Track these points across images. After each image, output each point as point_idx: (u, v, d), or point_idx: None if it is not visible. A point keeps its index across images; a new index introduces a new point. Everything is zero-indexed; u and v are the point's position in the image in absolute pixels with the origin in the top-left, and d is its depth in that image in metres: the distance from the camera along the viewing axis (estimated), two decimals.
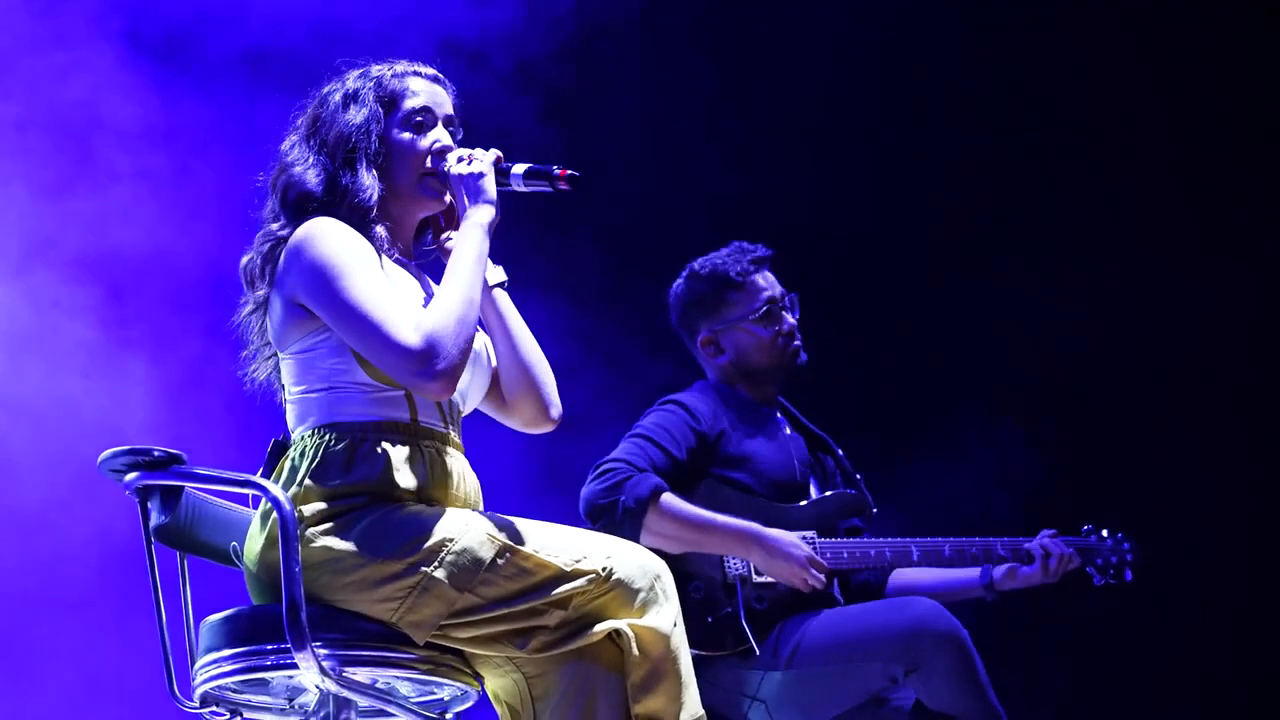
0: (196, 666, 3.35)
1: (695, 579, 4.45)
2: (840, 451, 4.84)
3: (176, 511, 3.46)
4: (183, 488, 3.40)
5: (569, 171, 3.44)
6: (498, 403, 3.57)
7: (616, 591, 3.22)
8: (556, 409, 3.55)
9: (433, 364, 3.23)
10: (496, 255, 3.50)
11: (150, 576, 3.45)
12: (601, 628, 3.20)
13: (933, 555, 4.61)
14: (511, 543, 3.23)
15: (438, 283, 3.48)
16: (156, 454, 3.33)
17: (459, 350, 3.26)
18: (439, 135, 3.52)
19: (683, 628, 3.27)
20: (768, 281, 4.80)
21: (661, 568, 3.29)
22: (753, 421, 4.71)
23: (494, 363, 3.55)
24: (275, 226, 3.44)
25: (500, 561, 3.21)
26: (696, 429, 4.61)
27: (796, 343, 4.79)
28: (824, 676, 4.38)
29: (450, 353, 3.25)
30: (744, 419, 4.70)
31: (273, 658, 3.23)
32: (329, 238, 3.33)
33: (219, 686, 3.34)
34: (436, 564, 3.20)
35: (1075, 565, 4.71)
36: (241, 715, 3.45)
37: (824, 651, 4.38)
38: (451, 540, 3.22)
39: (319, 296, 3.30)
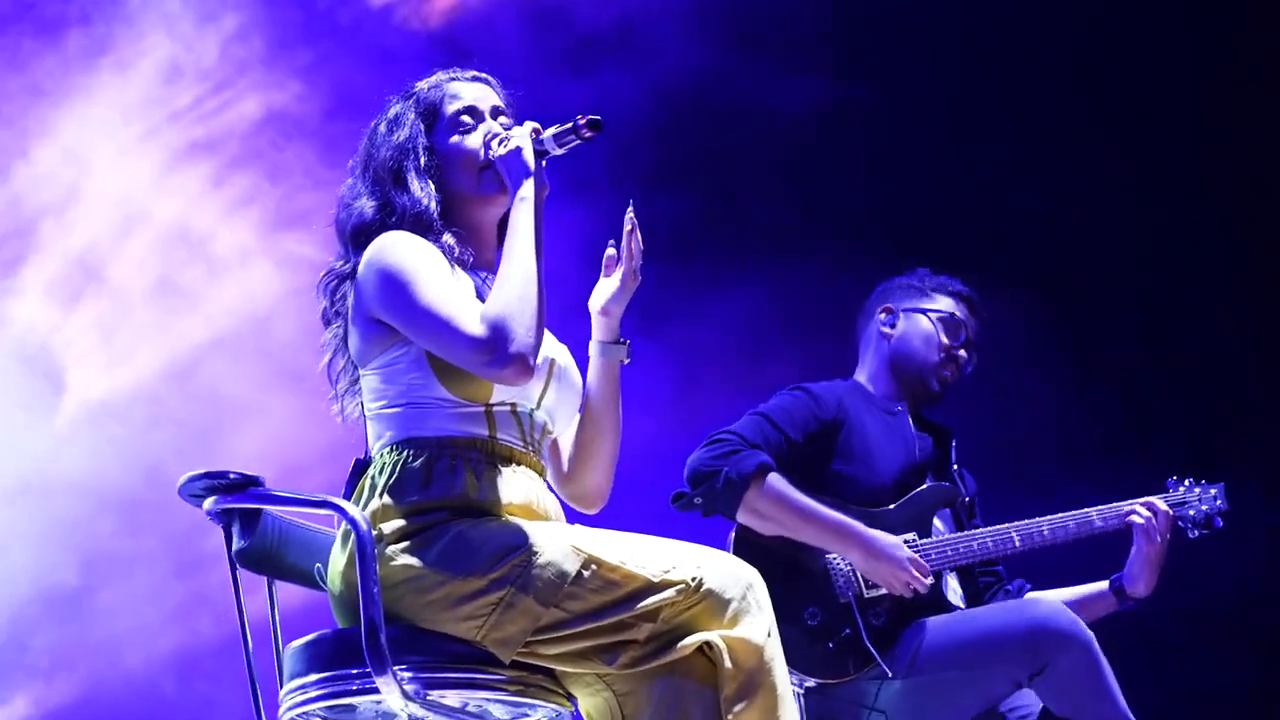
0: (282, 693, 3.27)
1: (808, 605, 4.32)
2: (954, 441, 4.69)
3: (263, 535, 3.40)
4: (261, 511, 3.32)
5: (588, 118, 3.34)
6: (556, 467, 3.51)
7: (707, 602, 3.09)
8: (606, 496, 3.51)
9: (502, 348, 3.14)
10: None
11: (235, 601, 3.38)
12: (692, 640, 3.07)
13: (1032, 537, 4.47)
14: (597, 554, 3.12)
15: None
16: (233, 477, 3.25)
17: (526, 330, 3.17)
18: (488, 128, 3.46)
19: (778, 638, 3.13)
20: (965, 316, 4.71)
21: (754, 577, 3.16)
22: (879, 418, 4.59)
23: (580, 388, 3.47)
24: (338, 265, 3.41)
25: (586, 574, 3.10)
26: (818, 416, 4.50)
27: (951, 371, 4.67)
28: (945, 683, 4.24)
29: (518, 333, 3.16)
30: (870, 414, 4.58)
31: (357, 682, 3.14)
32: (395, 247, 3.28)
33: (305, 714, 3.26)
34: (520, 579, 3.10)
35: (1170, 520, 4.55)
36: None
37: (944, 657, 4.24)
38: (535, 554, 3.11)
39: (391, 305, 3.24)
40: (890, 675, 4.25)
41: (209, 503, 3.29)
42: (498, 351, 3.14)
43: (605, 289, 3.52)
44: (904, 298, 4.74)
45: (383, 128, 3.48)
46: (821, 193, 6.71)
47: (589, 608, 3.09)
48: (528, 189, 3.32)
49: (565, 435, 3.52)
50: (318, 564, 3.35)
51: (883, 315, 4.73)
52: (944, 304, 4.70)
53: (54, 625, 5.94)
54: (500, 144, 3.38)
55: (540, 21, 6.60)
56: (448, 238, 3.37)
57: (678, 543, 3.20)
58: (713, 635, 3.07)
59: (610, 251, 3.52)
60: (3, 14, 6.10)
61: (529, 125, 3.38)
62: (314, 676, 3.20)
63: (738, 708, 3.05)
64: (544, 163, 3.36)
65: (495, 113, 3.49)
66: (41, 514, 5.87)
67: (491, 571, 3.10)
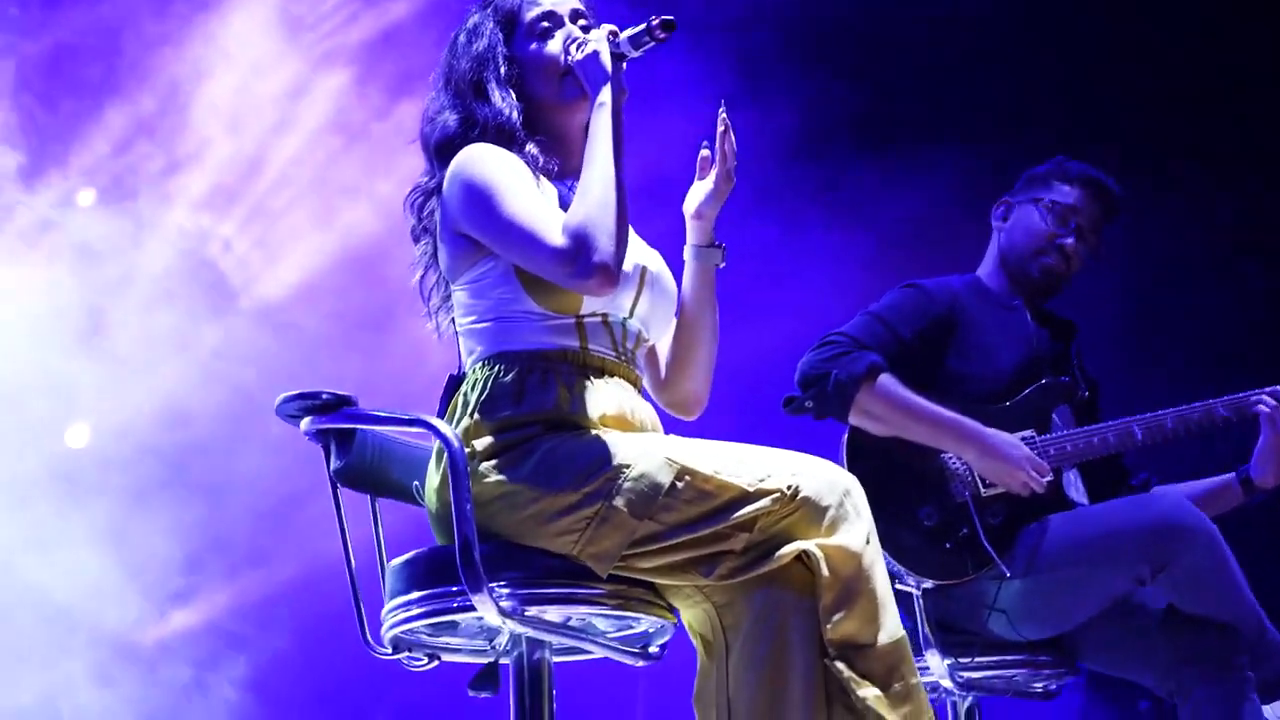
0: (384, 611, 3.27)
1: (924, 505, 4.25)
2: (1076, 335, 4.58)
3: (362, 453, 3.39)
4: (356, 430, 3.31)
5: (661, 19, 3.26)
6: (654, 374, 3.47)
7: (803, 510, 3.04)
8: (704, 402, 3.46)
9: (585, 258, 3.10)
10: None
11: (337, 520, 3.37)
12: (788, 549, 3.03)
13: (1155, 430, 4.33)
14: (691, 465, 3.07)
15: None
16: (325, 397, 3.24)
17: (609, 238, 3.12)
18: (568, 32, 3.40)
19: (877, 544, 3.08)
20: (1083, 204, 4.55)
21: (851, 482, 3.10)
22: (995, 314, 4.48)
23: (674, 294, 3.42)
24: (424, 180, 3.38)
25: (680, 485, 3.06)
26: (930, 312, 4.41)
27: (1055, 260, 4.52)
28: (1065, 582, 4.16)
29: (601, 242, 3.11)
30: (985, 310, 4.48)
31: (457, 600, 3.12)
32: (478, 160, 3.25)
33: (410, 631, 3.26)
34: (614, 492, 3.06)
35: None
36: (439, 659, 3.37)
37: (1063, 556, 4.15)
38: (628, 466, 3.08)
39: (475, 219, 3.21)
40: (1009, 575, 4.17)
41: (305, 423, 3.28)
42: (580, 261, 3.10)
43: (699, 192, 3.47)
44: (1023, 189, 4.61)
45: (462, 38, 3.43)
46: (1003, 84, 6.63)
47: (683, 519, 3.05)
48: (606, 94, 3.26)
49: (662, 342, 3.47)
50: (416, 482, 3.34)
51: (998, 209, 4.61)
52: (1059, 191, 4.55)
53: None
54: (577, 48, 3.33)
55: None
56: (531, 147, 3.32)
57: (774, 450, 3.14)
58: (809, 544, 3.02)
59: (704, 153, 3.46)
60: None
61: (605, 29, 3.32)
62: (415, 594, 3.19)
63: (836, 616, 3.00)
64: (623, 66, 3.30)
65: (574, 16, 3.43)
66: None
67: (584, 485, 3.07)
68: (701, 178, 3.47)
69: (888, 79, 6.77)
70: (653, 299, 3.35)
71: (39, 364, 5.92)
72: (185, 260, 6.26)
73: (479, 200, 3.20)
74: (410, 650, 3.32)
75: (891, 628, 3.04)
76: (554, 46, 3.38)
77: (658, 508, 3.06)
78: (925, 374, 4.32)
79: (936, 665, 4.15)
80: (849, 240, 6.59)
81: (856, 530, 3.05)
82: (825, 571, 3.01)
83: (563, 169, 3.37)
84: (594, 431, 3.17)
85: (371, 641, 3.33)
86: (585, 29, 3.40)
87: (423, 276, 3.42)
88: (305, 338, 6.21)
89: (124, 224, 6.19)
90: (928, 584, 4.18)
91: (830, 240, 6.64)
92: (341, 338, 6.21)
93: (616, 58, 3.30)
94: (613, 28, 3.32)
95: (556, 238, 3.12)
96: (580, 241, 3.11)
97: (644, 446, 3.11)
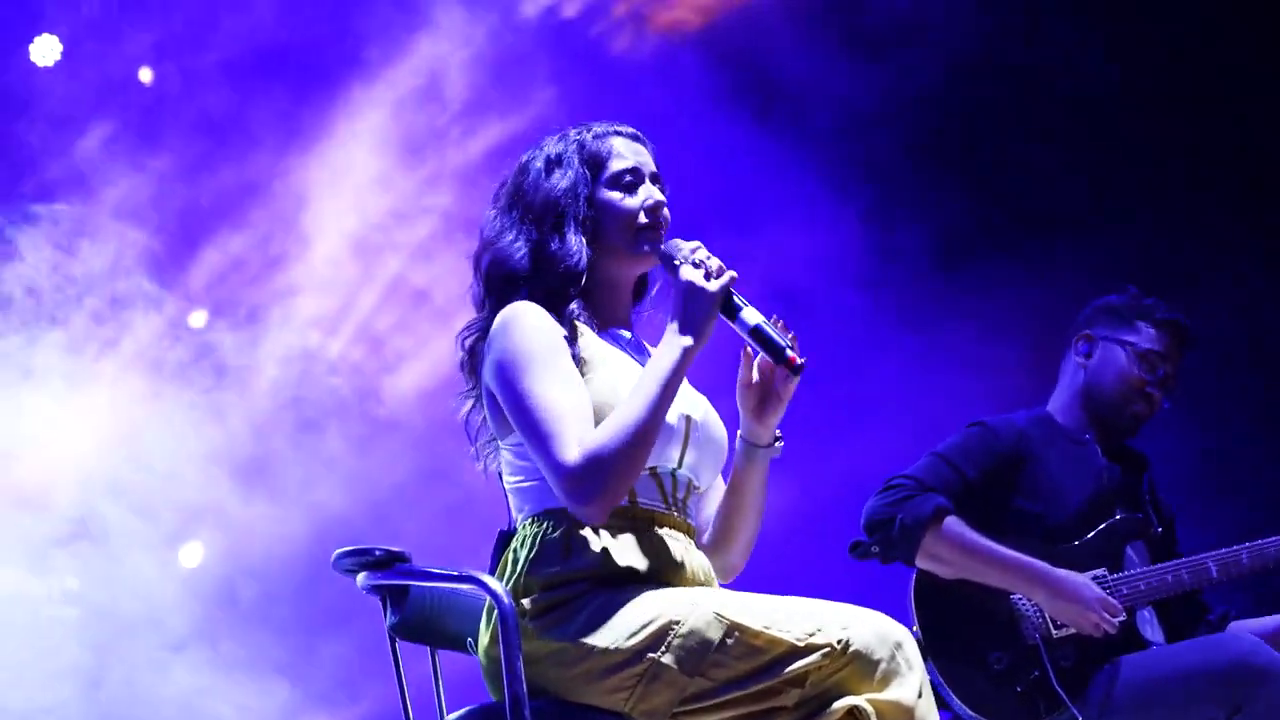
0: None
1: (994, 648, 4.20)
2: (1149, 470, 4.54)
3: (420, 604, 3.40)
4: (408, 586, 3.33)
5: (800, 360, 3.22)
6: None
7: (855, 664, 3.01)
8: (739, 572, 3.43)
9: (590, 487, 3.08)
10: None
11: (395, 674, 3.40)
12: (840, 705, 2.99)
13: (1231, 565, 4.30)
14: (741, 620, 3.05)
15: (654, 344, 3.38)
16: (378, 554, 3.26)
17: (619, 478, 3.09)
18: (649, 192, 3.39)
19: (930, 698, 3.04)
20: (1168, 349, 4.53)
21: (903, 635, 3.07)
22: (1064, 450, 4.45)
23: (724, 440, 3.39)
24: (481, 316, 3.36)
25: (729, 641, 3.04)
26: (996, 451, 4.39)
27: (1143, 408, 4.51)
28: None
29: (608, 481, 3.08)
30: (1054, 446, 4.44)
31: None
32: (518, 326, 3.22)
33: None
34: (664, 649, 3.05)
35: None
36: None
37: (1137, 699, 4.11)
38: (678, 623, 3.06)
39: (501, 391, 3.21)
40: (1081, 719, 4.11)
41: (360, 578, 3.30)
42: (583, 488, 3.08)
43: (762, 397, 3.35)
44: (1105, 325, 4.58)
45: (538, 164, 3.41)
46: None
47: (734, 675, 3.03)
48: (691, 340, 3.19)
49: (708, 505, 3.44)
50: (470, 637, 3.34)
51: (1080, 343, 4.58)
52: (1146, 335, 4.52)
53: None
54: (698, 269, 3.23)
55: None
56: (575, 306, 3.31)
57: (825, 603, 3.12)
58: (860, 700, 2.99)
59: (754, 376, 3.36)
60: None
61: (730, 275, 3.23)
62: None
63: None
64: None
65: (653, 178, 3.43)
66: None
67: (634, 642, 3.06)
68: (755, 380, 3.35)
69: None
70: (700, 449, 3.33)
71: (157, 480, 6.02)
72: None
73: (506, 375, 3.19)
74: None
75: None
76: (634, 200, 3.36)
77: (708, 664, 3.03)
78: (993, 514, 4.30)
79: None
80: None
81: (909, 684, 3.02)
82: None
83: (608, 320, 3.38)
84: (642, 586, 3.15)
85: None
86: (661, 191, 3.40)
87: (469, 413, 3.40)
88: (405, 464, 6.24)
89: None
90: None
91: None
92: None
93: (725, 309, 3.24)
94: (734, 275, 3.23)
95: (570, 451, 3.10)
96: (592, 469, 3.08)
97: (693, 601, 3.09)
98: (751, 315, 3.24)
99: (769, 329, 3.24)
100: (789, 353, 3.22)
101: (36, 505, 5.92)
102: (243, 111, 6.30)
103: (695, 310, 3.20)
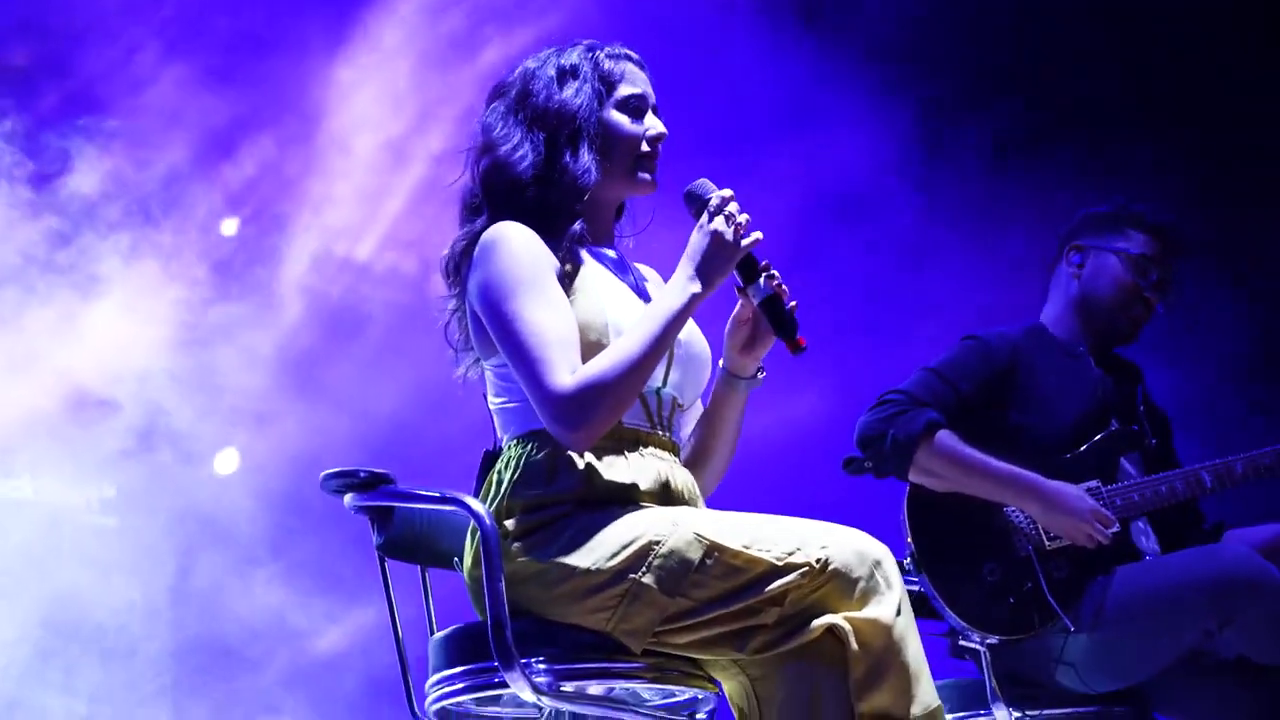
0: (427, 685, 3.30)
1: (987, 560, 4.21)
2: (1142, 381, 4.53)
3: (411, 523, 3.45)
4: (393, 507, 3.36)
5: (804, 341, 3.22)
6: None
7: (834, 583, 3.03)
8: (707, 495, 3.43)
9: (577, 417, 3.10)
10: None
11: (385, 592, 3.44)
12: (819, 623, 3.02)
13: (1225, 476, 4.28)
14: (720, 540, 3.07)
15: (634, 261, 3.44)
16: (362, 475, 3.30)
17: (609, 411, 3.12)
18: (653, 123, 3.40)
19: (909, 615, 3.06)
20: (1160, 253, 4.51)
21: (882, 553, 3.09)
22: (1058, 362, 4.43)
23: (708, 358, 3.40)
24: (478, 222, 3.33)
25: (709, 561, 3.06)
26: (990, 364, 4.37)
27: (1140, 312, 4.49)
28: (1132, 636, 4.11)
29: (598, 412, 3.10)
30: (1048, 359, 4.43)
31: (497, 675, 3.14)
32: (507, 249, 3.22)
33: (456, 703, 3.29)
34: (644, 569, 3.07)
35: None
36: None
37: (1129, 610, 4.10)
38: (658, 543, 3.08)
39: (488, 314, 3.22)
40: (1074, 629, 4.13)
41: (347, 499, 3.34)
42: (572, 416, 3.10)
43: (749, 336, 3.38)
44: (1094, 234, 4.55)
45: (550, 71, 3.38)
46: None
47: (714, 595, 3.06)
48: (698, 286, 3.20)
49: (685, 425, 3.45)
50: (456, 556, 3.37)
51: (1071, 254, 4.56)
52: (1136, 240, 4.51)
53: None
54: (728, 221, 3.22)
55: None
56: (578, 226, 3.30)
57: (805, 522, 3.14)
58: (838, 618, 3.01)
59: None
60: None
61: (756, 235, 3.23)
62: (455, 670, 3.23)
63: (868, 690, 2.99)
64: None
65: (655, 110, 3.43)
66: None
67: (615, 563, 3.09)
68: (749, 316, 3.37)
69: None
70: (685, 367, 3.35)
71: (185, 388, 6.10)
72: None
73: (493, 298, 3.19)
74: None
75: (925, 699, 3.02)
76: (641, 127, 3.37)
77: (689, 584, 3.06)
78: (987, 427, 4.29)
79: (1004, 719, 4.11)
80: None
81: (887, 602, 3.04)
82: (855, 645, 3.00)
83: (595, 238, 3.38)
84: (624, 507, 3.17)
85: (418, 713, 3.37)
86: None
87: (448, 324, 3.41)
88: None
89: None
90: (993, 640, 4.15)
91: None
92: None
93: (745, 270, 3.26)
94: (759, 237, 3.23)
95: (563, 377, 3.11)
96: (586, 397, 3.10)
97: (675, 521, 3.11)
98: (765, 284, 3.25)
99: (780, 304, 3.25)
100: (797, 334, 3.23)
101: (96, 414, 5.99)
102: (273, 17, 6.32)
103: (714, 261, 3.21)
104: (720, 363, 3.42)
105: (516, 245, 3.22)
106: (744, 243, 3.22)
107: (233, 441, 6.35)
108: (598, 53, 3.41)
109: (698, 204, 3.28)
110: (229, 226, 6.43)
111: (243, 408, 6.24)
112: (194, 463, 6.20)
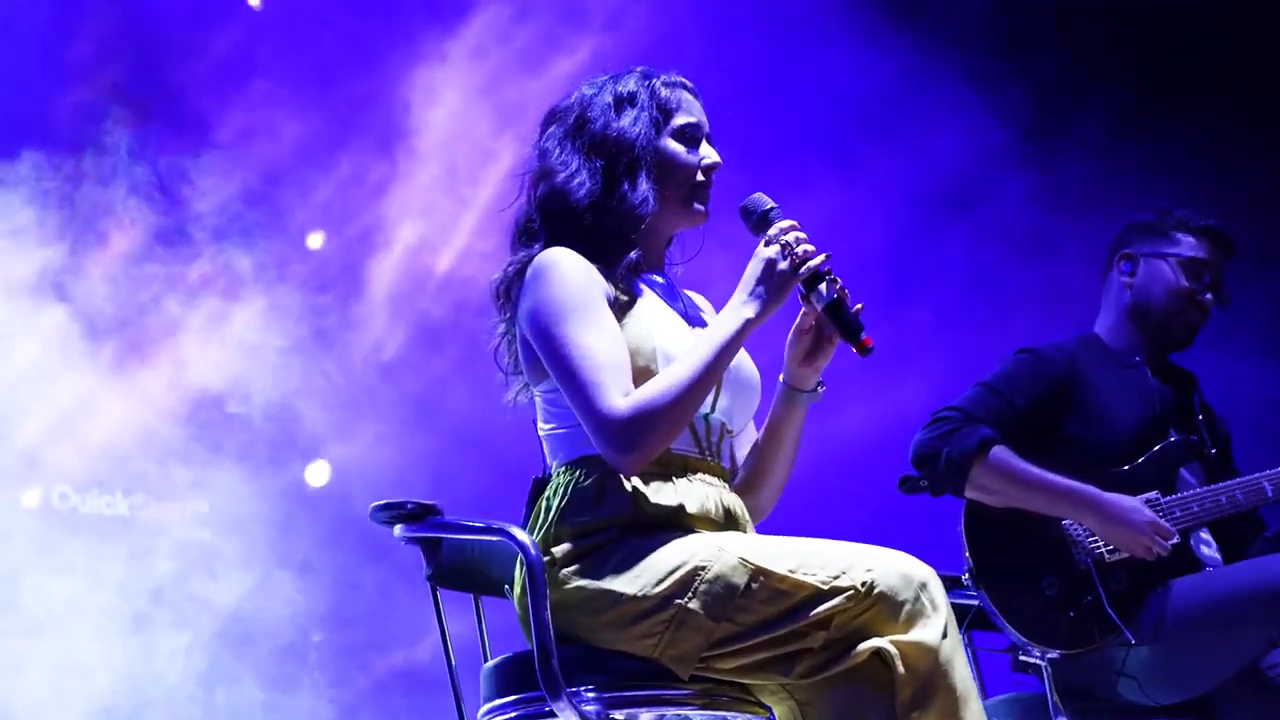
0: (480, 714, 3.32)
1: (1046, 574, 4.19)
2: (1199, 389, 4.50)
3: (463, 552, 3.48)
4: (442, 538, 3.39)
5: (870, 341, 3.20)
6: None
7: (879, 606, 3.02)
8: (765, 515, 3.43)
9: (630, 441, 3.11)
10: None
11: (437, 622, 3.45)
12: (865, 647, 3.01)
13: None
14: (766, 565, 3.07)
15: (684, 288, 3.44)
16: (410, 507, 3.31)
17: (661, 436, 3.13)
18: (708, 151, 3.41)
19: (956, 637, 3.05)
20: (1211, 255, 4.50)
21: (928, 575, 3.07)
22: (1114, 372, 4.41)
23: (757, 384, 3.40)
24: (534, 248, 3.33)
25: (755, 586, 3.06)
26: (1045, 378, 4.35)
27: (1196, 316, 4.47)
28: (1195, 646, 4.09)
29: (650, 436, 3.12)
30: (1105, 370, 4.40)
31: (546, 705, 3.14)
32: (559, 274, 3.22)
33: None
34: (690, 595, 3.08)
35: None
36: None
37: (1190, 621, 4.08)
38: (704, 568, 3.09)
39: (539, 339, 3.22)
40: (1135, 642, 4.10)
41: (397, 530, 3.36)
42: (625, 440, 3.11)
43: (810, 348, 3.37)
44: (1142, 241, 4.52)
45: (607, 98, 3.38)
46: None
47: (760, 619, 3.06)
48: (753, 310, 3.20)
49: (739, 448, 3.46)
50: (506, 584, 3.38)
51: (1122, 263, 4.53)
52: (1186, 244, 4.48)
53: None
54: (784, 252, 3.22)
55: None
56: (634, 254, 3.31)
57: (851, 545, 3.13)
58: (884, 642, 3.01)
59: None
60: None
61: (822, 256, 3.22)
62: (507, 699, 3.24)
63: (914, 713, 2.98)
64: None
65: (709, 139, 3.43)
66: None
67: (661, 589, 3.09)
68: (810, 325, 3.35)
69: None
70: (734, 393, 3.34)
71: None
72: None
73: (549, 323, 3.19)
74: None
75: None
76: (692, 158, 3.37)
77: (734, 609, 3.06)
78: (1044, 440, 4.27)
79: None
80: None
81: (933, 624, 3.03)
82: (901, 669, 2.99)
83: (646, 265, 3.38)
84: (672, 533, 3.17)
85: None
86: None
87: (498, 347, 3.42)
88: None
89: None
90: (1053, 654, 4.13)
91: None
92: None
93: (809, 281, 3.23)
94: (827, 256, 3.22)
95: (616, 400, 3.12)
96: (639, 421, 3.11)
97: (720, 546, 3.11)
98: (828, 290, 3.23)
99: (844, 307, 3.23)
100: (862, 335, 3.21)
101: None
102: (352, 30, 6.41)
103: (769, 288, 3.21)
104: (780, 377, 3.42)
105: (569, 270, 3.23)
106: (801, 270, 3.22)
107: (322, 454, 6.42)
108: (654, 80, 3.41)
109: (752, 219, 3.30)
110: (315, 240, 6.51)
111: (334, 418, 6.33)
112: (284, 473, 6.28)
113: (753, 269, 3.24)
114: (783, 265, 3.21)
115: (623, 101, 3.38)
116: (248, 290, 6.20)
